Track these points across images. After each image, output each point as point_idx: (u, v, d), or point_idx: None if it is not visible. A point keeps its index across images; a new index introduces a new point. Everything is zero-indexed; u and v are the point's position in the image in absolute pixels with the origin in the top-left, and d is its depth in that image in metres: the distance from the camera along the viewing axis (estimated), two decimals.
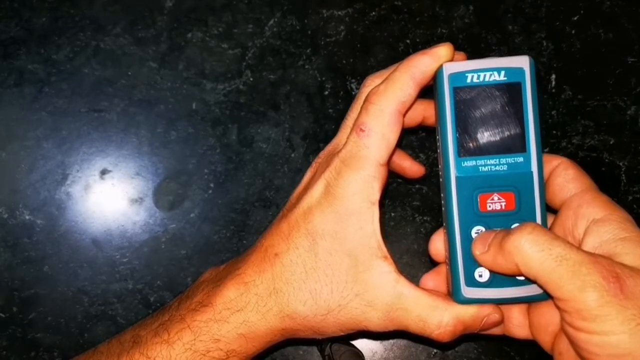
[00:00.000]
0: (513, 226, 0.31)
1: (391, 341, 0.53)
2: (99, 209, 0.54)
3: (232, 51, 0.55)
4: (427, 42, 0.54)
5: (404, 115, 0.33)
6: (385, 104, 0.32)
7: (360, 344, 0.53)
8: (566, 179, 0.32)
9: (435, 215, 0.55)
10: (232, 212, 0.54)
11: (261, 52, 0.55)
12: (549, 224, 0.33)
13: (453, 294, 0.33)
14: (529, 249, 0.27)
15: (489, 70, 0.31)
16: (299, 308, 0.32)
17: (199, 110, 0.54)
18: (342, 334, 0.34)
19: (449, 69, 0.32)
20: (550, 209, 0.33)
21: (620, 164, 0.54)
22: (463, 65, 0.32)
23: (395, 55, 0.55)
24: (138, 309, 0.53)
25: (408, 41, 0.55)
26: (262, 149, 0.53)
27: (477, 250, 0.31)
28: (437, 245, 0.35)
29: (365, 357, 0.52)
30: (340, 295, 0.32)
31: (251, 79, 0.55)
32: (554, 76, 0.55)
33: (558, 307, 0.27)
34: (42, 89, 0.54)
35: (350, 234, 0.32)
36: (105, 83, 0.54)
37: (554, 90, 0.55)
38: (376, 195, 0.32)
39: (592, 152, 0.54)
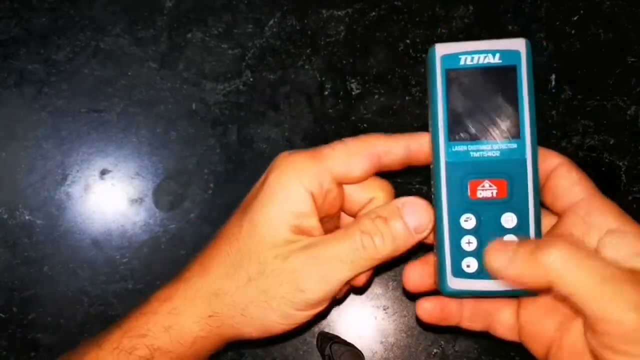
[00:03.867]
0: (532, 236, 0.29)
1: (391, 341, 0.53)
2: (99, 209, 0.53)
3: (232, 51, 0.55)
4: (427, 42, 0.54)
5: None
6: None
7: (361, 344, 0.53)
8: (570, 182, 0.30)
9: None
10: (232, 212, 0.54)
11: (261, 52, 0.55)
12: (545, 224, 0.32)
13: (439, 285, 0.32)
14: (568, 262, 0.24)
15: (484, 52, 0.31)
16: (223, 282, 0.31)
17: (199, 110, 0.54)
18: (271, 311, 0.32)
19: (442, 50, 0.31)
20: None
21: (620, 164, 0.54)
22: (456, 46, 0.31)
23: (395, 55, 0.55)
24: None
25: (408, 41, 0.55)
26: (262, 149, 0.53)
27: (496, 262, 0.26)
28: (413, 274, 0.33)
29: (365, 357, 0.52)
30: (257, 262, 0.31)
31: (251, 79, 0.55)
32: (554, 76, 0.54)
33: (593, 329, 0.25)
34: (42, 89, 0.54)
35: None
36: (105, 83, 0.54)
37: (554, 90, 0.55)
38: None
39: (592, 152, 0.54)
